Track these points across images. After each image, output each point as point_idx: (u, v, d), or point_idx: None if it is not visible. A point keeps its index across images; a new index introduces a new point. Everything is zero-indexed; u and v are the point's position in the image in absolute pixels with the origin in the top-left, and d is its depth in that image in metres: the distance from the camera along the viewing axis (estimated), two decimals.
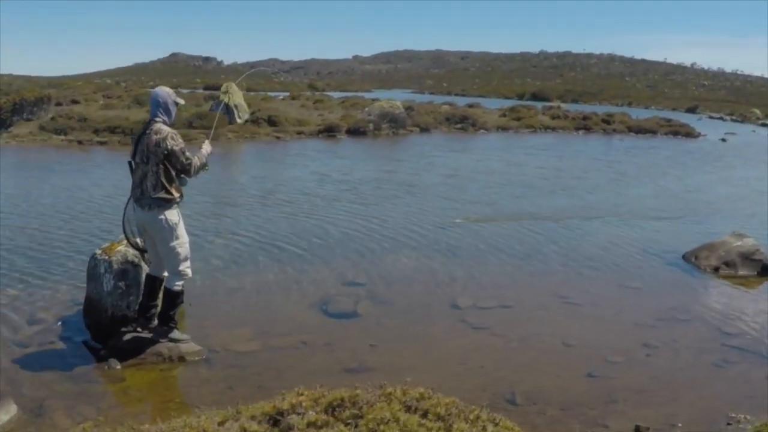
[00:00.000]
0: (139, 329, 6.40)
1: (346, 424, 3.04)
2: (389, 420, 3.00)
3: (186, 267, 6.20)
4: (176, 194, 5.94)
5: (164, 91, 6.03)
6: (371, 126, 28.08)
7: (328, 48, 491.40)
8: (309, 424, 3.04)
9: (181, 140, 5.85)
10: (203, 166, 6.13)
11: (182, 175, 5.99)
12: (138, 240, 6.32)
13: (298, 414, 3.16)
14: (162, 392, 5.68)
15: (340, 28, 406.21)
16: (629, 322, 7.45)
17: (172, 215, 5.96)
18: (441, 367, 6.14)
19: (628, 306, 8.02)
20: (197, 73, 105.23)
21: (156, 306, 6.41)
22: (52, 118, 25.36)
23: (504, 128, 32.56)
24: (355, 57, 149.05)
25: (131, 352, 6.26)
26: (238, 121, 27.71)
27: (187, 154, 5.86)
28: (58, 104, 34.62)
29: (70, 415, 5.18)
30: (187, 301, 7.06)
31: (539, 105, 44.53)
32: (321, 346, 6.58)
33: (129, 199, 6.16)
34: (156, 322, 6.36)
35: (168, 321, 6.28)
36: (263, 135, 26.44)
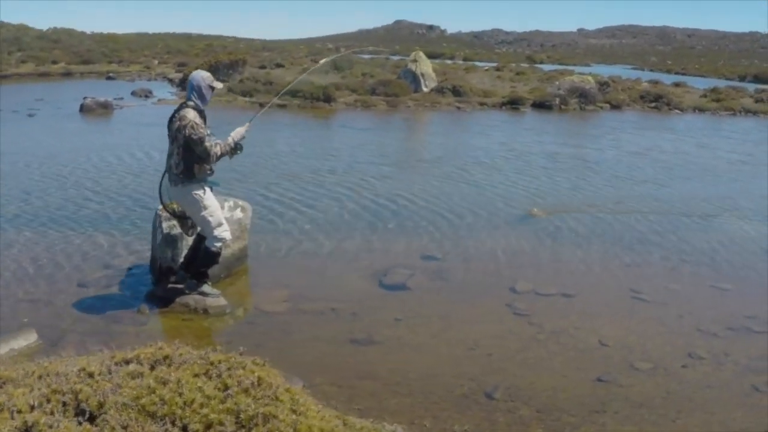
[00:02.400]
0: (177, 281, 6.93)
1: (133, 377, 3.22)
2: (169, 381, 3.13)
3: (222, 231, 6.65)
4: (199, 172, 6.37)
5: (200, 75, 6.46)
6: (557, 100, 27.21)
7: (552, 20, 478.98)
8: (127, 374, 3.25)
9: (202, 130, 6.19)
10: (233, 151, 6.51)
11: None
12: (175, 206, 6.83)
13: (129, 363, 3.37)
14: (170, 339, 6.13)
15: (565, 0, 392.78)
16: (690, 326, 6.77)
17: (197, 189, 6.43)
18: (448, 348, 6.06)
19: (702, 308, 7.28)
20: (420, 42, 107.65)
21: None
22: (241, 81, 27.36)
23: (700, 109, 29.98)
24: (580, 30, 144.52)
25: (164, 300, 6.85)
26: (424, 89, 28.28)
27: (206, 144, 6.21)
28: (262, 67, 37.34)
29: (76, 349, 5.78)
30: (254, 259, 7.91)
31: (752, 88, 40.04)
32: (346, 315, 6.73)
33: (165, 170, 6.66)
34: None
35: (201, 276, 6.79)
36: (444, 104, 26.73)
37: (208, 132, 6.30)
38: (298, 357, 5.88)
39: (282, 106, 25.17)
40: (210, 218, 6.54)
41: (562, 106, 27.28)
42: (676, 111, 29.56)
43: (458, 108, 26.31)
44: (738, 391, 5.53)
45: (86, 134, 18.27)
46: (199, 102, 6.35)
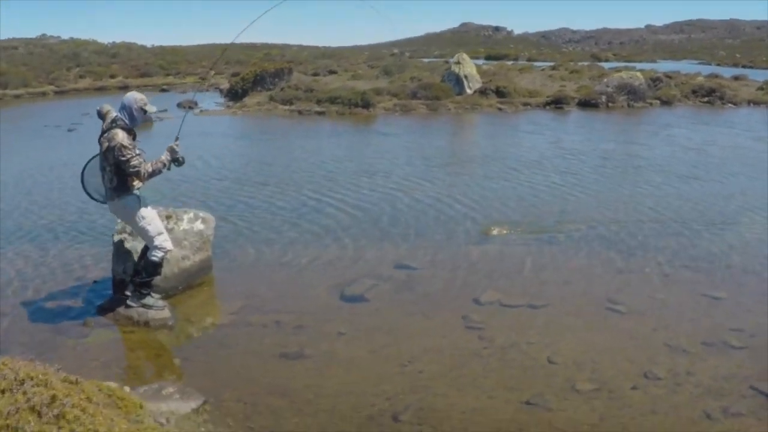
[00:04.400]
0: (127, 293, 7.04)
1: None
2: None
3: (162, 240, 6.79)
4: (133, 184, 6.57)
5: (131, 98, 6.61)
6: (603, 98, 26.57)
7: (620, 17, 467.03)
8: None
9: (129, 151, 6.34)
10: (170, 164, 6.66)
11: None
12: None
13: None
14: (99, 351, 6.26)
15: None
16: (660, 341, 6.42)
17: (132, 201, 6.62)
18: (379, 365, 5.94)
19: (682, 320, 6.90)
20: (487, 43, 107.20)
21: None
22: (282, 89, 27.73)
23: (756, 102, 28.73)
24: (648, 26, 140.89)
25: (111, 312, 6.96)
26: (468, 91, 28.10)
27: (133, 162, 6.36)
28: (315, 74, 37.76)
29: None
30: (222, 270, 8.08)
31: None
32: (289, 328, 6.71)
33: (87, 163, 6.84)
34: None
35: (143, 287, 6.87)
36: (485, 106, 26.49)
37: (138, 152, 6.43)
38: (219, 371, 5.89)
39: (321, 113, 25.40)
40: (148, 227, 6.66)
41: (609, 104, 26.64)
42: (730, 105, 28.44)
43: (500, 109, 26.02)
44: (685, 418, 5.14)
45: None
46: (127, 122, 6.50)
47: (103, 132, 6.51)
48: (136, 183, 6.60)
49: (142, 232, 6.77)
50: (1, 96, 36.96)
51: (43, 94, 37.09)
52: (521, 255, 8.86)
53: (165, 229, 6.89)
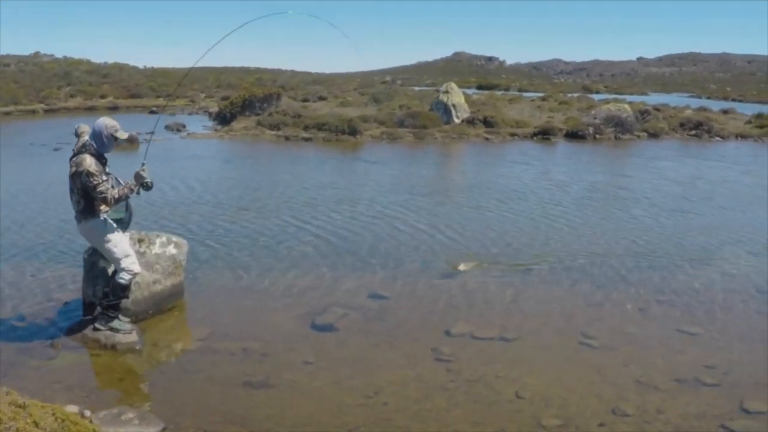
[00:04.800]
0: (96, 316, 7.07)
1: None
2: None
3: (129, 263, 6.83)
4: (100, 208, 6.66)
5: (102, 124, 6.65)
6: (591, 130, 26.87)
7: (612, 49, 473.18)
8: None
9: (96, 178, 6.40)
10: (138, 189, 6.70)
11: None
12: None
13: None
14: (64, 374, 6.26)
15: (624, 29, 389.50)
16: (631, 377, 6.45)
17: (99, 224, 6.70)
18: (343, 396, 5.94)
19: (655, 355, 6.93)
20: (479, 73, 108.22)
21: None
22: (269, 114, 27.88)
23: (743, 136, 29.11)
24: (640, 59, 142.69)
25: (79, 334, 6.98)
26: (456, 120, 28.36)
27: (100, 188, 6.43)
28: (305, 100, 37.92)
29: None
30: (193, 295, 8.13)
31: None
32: (255, 356, 6.72)
33: None
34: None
35: (111, 310, 6.90)
36: (473, 136, 26.72)
37: (105, 178, 6.51)
38: (181, 397, 5.90)
39: (307, 140, 25.52)
40: (114, 249, 6.71)
41: (597, 136, 26.92)
42: (717, 138, 28.78)
43: (486, 139, 26.26)
44: None
45: None
46: (96, 148, 6.58)
47: (73, 155, 6.56)
48: (103, 207, 6.66)
49: (108, 255, 6.82)
50: None
51: (33, 111, 37.18)
52: (498, 287, 8.93)
53: (132, 252, 6.93)
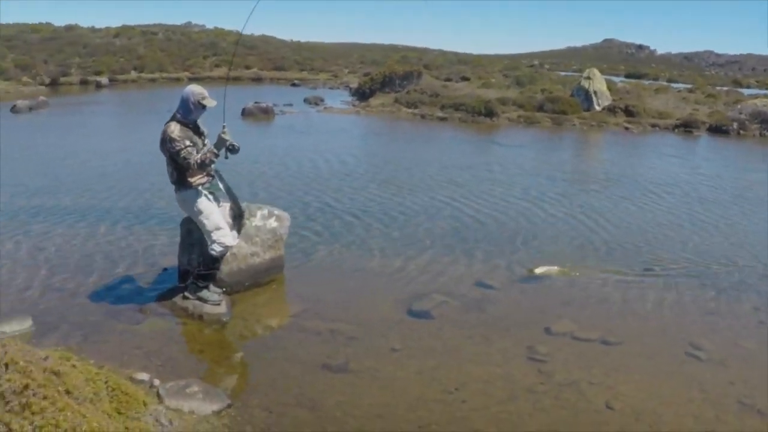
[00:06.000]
0: (188, 284, 7.13)
1: None
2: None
3: (220, 235, 6.81)
4: (192, 179, 6.64)
5: (189, 90, 6.62)
6: (735, 125, 25.01)
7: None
8: None
9: (178, 143, 6.40)
10: (226, 152, 6.70)
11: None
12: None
13: None
14: (145, 340, 6.31)
15: None
16: (734, 397, 5.71)
17: (191, 195, 6.70)
18: (423, 388, 5.63)
19: (763, 376, 6.19)
20: (629, 61, 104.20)
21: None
22: (407, 92, 27.76)
23: None
24: None
25: (169, 302, 7.04)
26: (596, 108, 27.23)
27: (183, 154, 6.42)
28: (448, 80, 37.63)
29: (57, 339, 6.08)
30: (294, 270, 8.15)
31: None
32: (342, 339, 6.53)
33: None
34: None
35: (201, 280, 6.91)
36: (612, 124, 25.57)
37: (188, 143, 6.46)
38: (255, 375, 5.84)
39: (443, 119, 25.23)
40: (206, 221, 6.72)
41: (741, 132, 24.97)
42: None
43: (626, 128, 24.99)
44: None
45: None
46: (183, 115, 6.56)
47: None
48: (196, 178, 6.64)
49: (201, 226, 6.84)
50: (137, 78, 39.11)
51: (177, 79, 38.89)
52: (615, 287, 8.28)
53: (225, 225, 6.86)
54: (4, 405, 3.10)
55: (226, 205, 7.14)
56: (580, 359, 6.32)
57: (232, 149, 6.68)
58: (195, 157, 6.46)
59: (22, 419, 3.05)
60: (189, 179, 6.64)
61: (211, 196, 6.79)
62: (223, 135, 6.58)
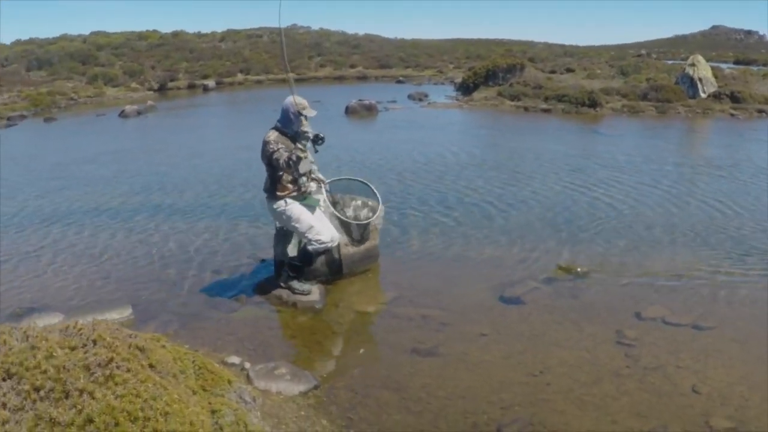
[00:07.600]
0: (282, 274, 7.36)
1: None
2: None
3: (314, 234, 7.00)
4: (283, 192, 6.86)
5: (288, 102, 6.80)
6: None
7: None
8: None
9: (272, 146, 6.61)
10: (315, 148, 6.93)
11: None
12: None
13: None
14: (240, 326, 6.54)
15: None
16: None
17: (279, 205, 6.91)
18: (508, 372, 5.58)
19: None
20: (738, 47, 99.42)
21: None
22: (510, 85, 27.46)
23: None
24: None
25: (265, 291, 7.29)
26: (702, 95, 26.13)
27: (276, 155, 6.59)
28: (552, 72, 36.98)
29: (156, 327, 6.40)
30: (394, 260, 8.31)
31: None
32: (434, 324, 6.55)
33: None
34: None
35: (294, 270, 7.15)
36: (717, 111, 24.43)
37: (281, 146, 6.66)
38: (344, 358, 5.97)
39: (546, 111, 24.83)
40: (297, 225, 6.96)
41: None
42: None
43: (732, 115, 23.83)
44: None
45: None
46: (282, 125, 6.80)
47: None
48: (286, 192, 6.84)
49: (295, 231, 7.13)
50: (243, 80, 40.29)
51: (283, 80, 39.76)
52: (712, 270, 7.96)
53: (316, 222, 7.02)
54: (89, 376, 3.28)
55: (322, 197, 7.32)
56: (670, 344, 6.11)
57: (318, 140, 6.79)
58: (284, 156, 6.60)
59: (106, 389, 3.22)
60: (278, 192, 6.87)
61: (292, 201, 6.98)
62: (302, 128, 6.71)
